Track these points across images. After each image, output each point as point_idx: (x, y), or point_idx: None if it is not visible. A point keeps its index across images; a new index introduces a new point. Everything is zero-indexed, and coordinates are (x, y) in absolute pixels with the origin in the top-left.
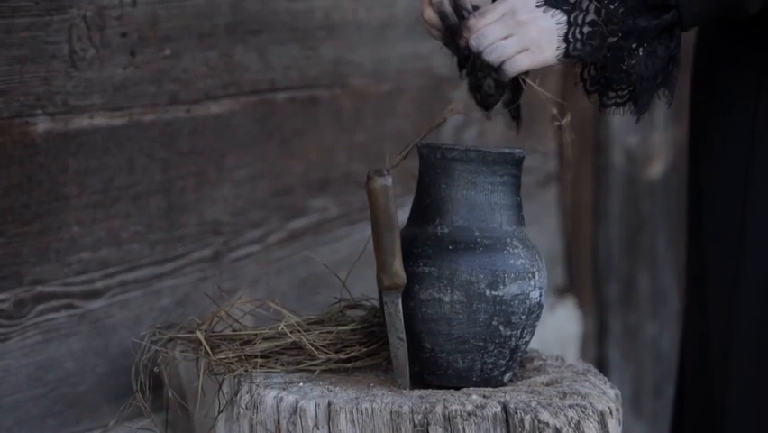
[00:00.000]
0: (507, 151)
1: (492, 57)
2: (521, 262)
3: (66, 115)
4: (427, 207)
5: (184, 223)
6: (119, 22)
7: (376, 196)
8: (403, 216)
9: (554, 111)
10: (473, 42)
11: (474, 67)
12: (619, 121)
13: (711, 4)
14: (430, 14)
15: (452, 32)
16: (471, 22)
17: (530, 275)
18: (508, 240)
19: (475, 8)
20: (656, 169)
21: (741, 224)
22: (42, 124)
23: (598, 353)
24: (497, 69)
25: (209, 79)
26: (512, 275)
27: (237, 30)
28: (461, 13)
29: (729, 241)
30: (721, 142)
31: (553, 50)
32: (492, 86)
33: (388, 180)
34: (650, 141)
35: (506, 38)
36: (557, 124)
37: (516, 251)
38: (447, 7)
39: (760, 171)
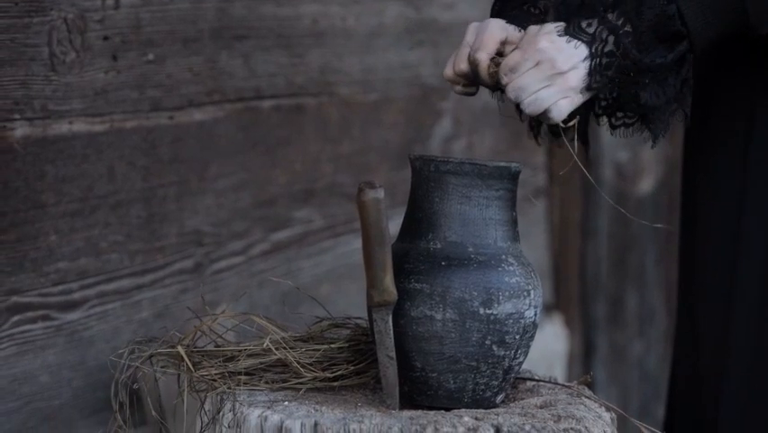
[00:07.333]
0: (503, 164)
1: (531, 109)
2: (516, 280)
3: (45, 121)
4: (420, 221)
5: (165, 233)
6: (101, 25)
7: (367, 209)
8: (393, 229)
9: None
10: (511, 95)
11: None
12: (609, 136)
13: (720, 28)
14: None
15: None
16: (505, 79)
17: (525, 293)
18: (503, 257)
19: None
20: (646, 185)
21: (735, 245)
22: (20, 130)
23: (584, 371)
24: (539, 115)
25: (193, 86)
26: (507, 293)
27: (222, 35)
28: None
29: (722, 261)
30: (715, 165)
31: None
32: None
33: (380, 193)
34: (640, 157)
35: (545, 87)
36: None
37: (511, 268)
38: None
39: (754, 193)
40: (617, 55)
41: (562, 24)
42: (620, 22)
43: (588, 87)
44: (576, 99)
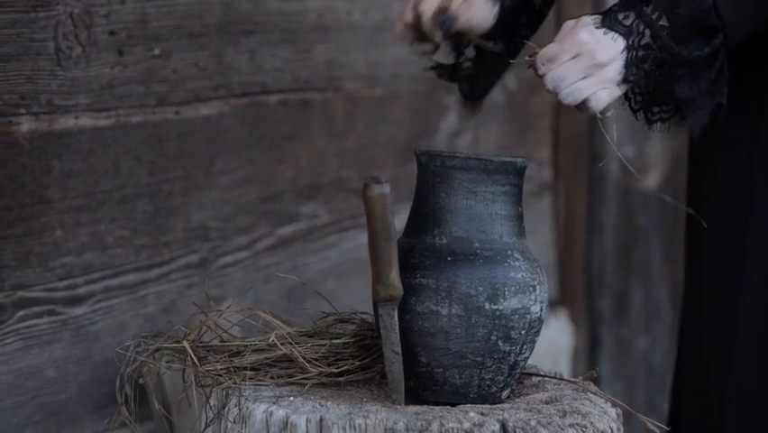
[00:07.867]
0: (508, 159)
1: (570, 99)
2: (522, 275)
3: (50, 116)
4: (425, 216)
5: (171, 228)
6: (107, 20)
7: (373, 204)
8: (398, 224)
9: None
10: (549, 85)
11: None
12: (615, 130)
13: (754, 22)
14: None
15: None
16: (543, 70)
17: (531, 289)
18: (509, 252)
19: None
20: (651, 180)
21: (742, 247)
22: (26, 124)
23: (589, 367)
24: (577, 106)
25: (199, 80)
26: (512, 288)
27: (228, 30)
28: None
29: (730, 263)
30: (722, 167)
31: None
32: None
33: (386, 188)
34: (646, 152)
35: (583, 79)
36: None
37: (516, 263)
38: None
39: (761, 194)
40: (654, 48)
41: (598, 17)
42: (656, 15)
43: (624, 80)
44: (614, 91)
